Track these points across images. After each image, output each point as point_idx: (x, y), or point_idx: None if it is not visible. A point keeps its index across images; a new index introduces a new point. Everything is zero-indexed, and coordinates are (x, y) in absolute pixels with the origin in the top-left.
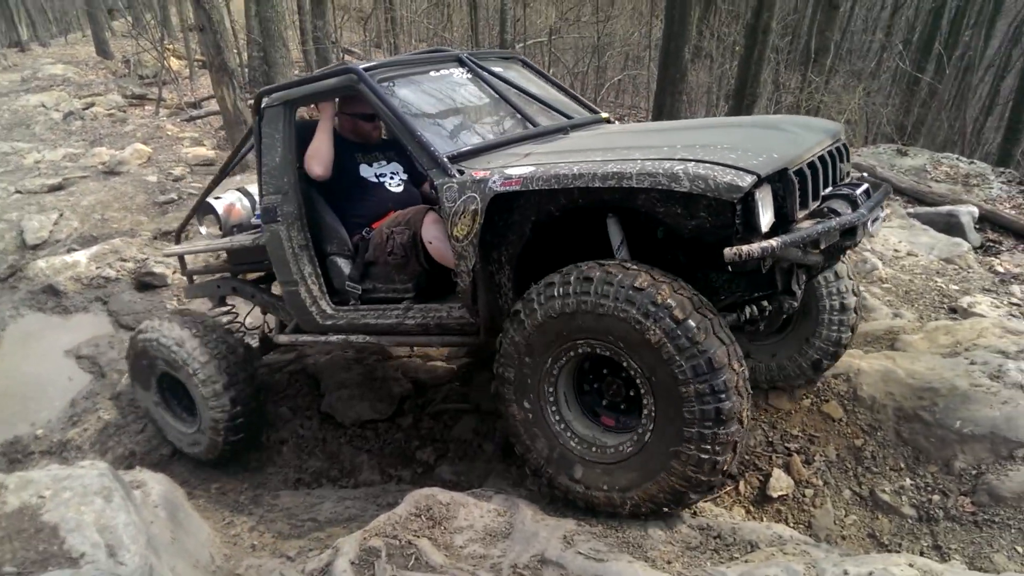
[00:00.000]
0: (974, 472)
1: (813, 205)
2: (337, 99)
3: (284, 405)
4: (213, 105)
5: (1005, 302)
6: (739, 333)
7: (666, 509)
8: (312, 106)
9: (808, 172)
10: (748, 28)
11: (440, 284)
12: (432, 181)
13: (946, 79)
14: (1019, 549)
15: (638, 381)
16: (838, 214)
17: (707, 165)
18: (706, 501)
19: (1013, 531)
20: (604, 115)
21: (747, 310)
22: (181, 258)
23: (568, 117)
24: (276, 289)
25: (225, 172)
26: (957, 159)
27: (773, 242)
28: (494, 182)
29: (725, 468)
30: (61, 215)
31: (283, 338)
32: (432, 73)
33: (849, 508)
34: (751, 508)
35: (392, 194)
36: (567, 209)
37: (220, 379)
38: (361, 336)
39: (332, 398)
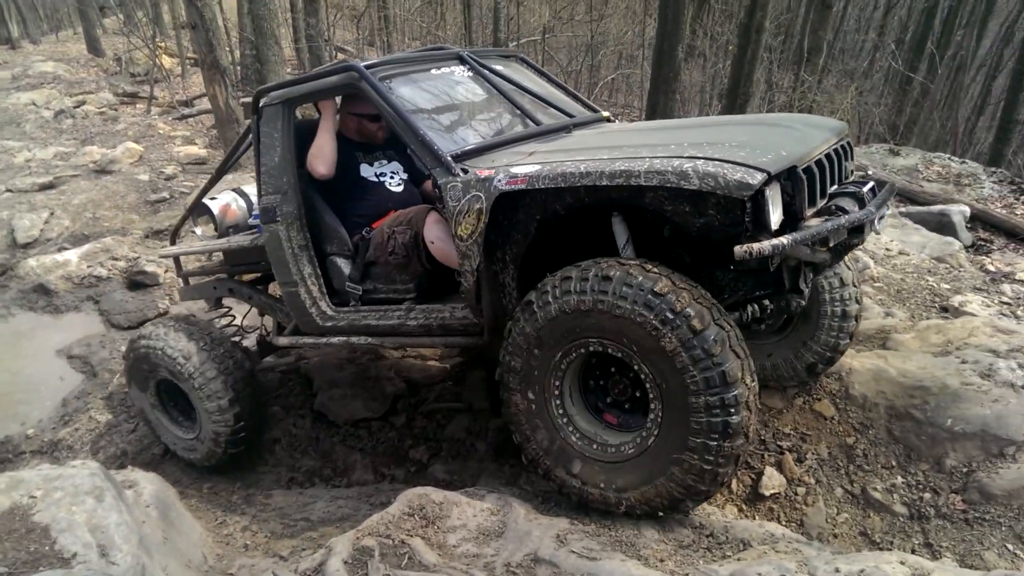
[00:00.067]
0: (965, 470)
1: (821, 203)
2: (339, 98)
3: (277, 404)
4: (205, 103)
5: (996, 301)
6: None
7: (661, 513)
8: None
9: (816, 170)
10: (741, 27)
11: (442, 284)
12: (435, 180)
13: (938, 79)
14: (1009, 547)
15: (647, 385)
16: (846, 212)
17: (716, 163)
18: None
19: (1003, 529)
20: (604, 114)
21: (749, 309)
22: (176, 259)
23: (569, 116)
24: (274, 290)
25: (222, 172)
26: (949, 159)
27: (784, 240)
28: (499, 181)
29: (726, 480)
30: (52, 214)
31: (282, 340)
32: (433, 71)
33: (841, 506)
34: (743, 506)
35: (392, 194)
36: (572, 208)
37: (226, 395)
38: (362, 337)
39: (325, 397)
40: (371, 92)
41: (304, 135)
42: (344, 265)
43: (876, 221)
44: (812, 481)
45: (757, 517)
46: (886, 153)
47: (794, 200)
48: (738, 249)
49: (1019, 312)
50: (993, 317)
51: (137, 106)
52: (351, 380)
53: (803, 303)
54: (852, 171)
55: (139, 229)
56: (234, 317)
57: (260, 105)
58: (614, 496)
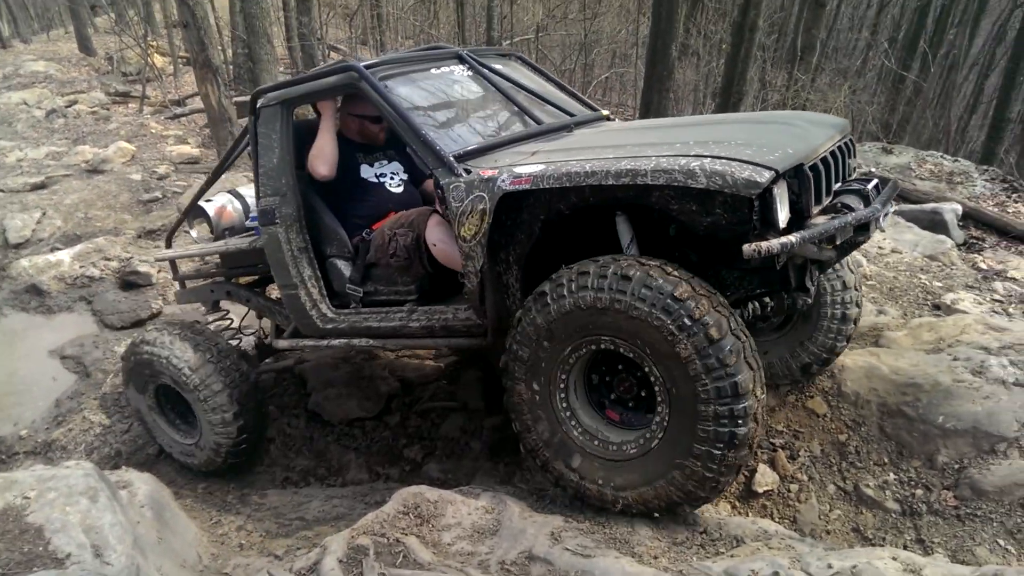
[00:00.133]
0: (957, 466)
1: (826, 201)
2: (340, 99)
3: (271, 404)
4: (197, 103)
5: (988, 298)
6: None
7: (657, 514)
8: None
9: (821, 167)
10: (735, 26)
11: (443, 286)
12: (437, 181)
13: (931, 77)
14: (1001, 542)
15: (656, 388)
16: (852, 209)
17: (724, 161)
18: None
19: (995, 524)
20: (604, 112)
21: (751, 306)
22: (173, 263)
23: (570, 114)
24: (272, 292)
25: (218, 175)
26: (941, 157)
27: (793, 238)
28: (503, 181)
29: (725, 488)
30: (44, 214)
31: (282, 343)
32: (433, 71)
33: (833, 503)
34: (737, 503)
35: (392, 195)
36: (577, 207)
37: (231, 408)
38: (363, 340)
39: (319, 396)
40: (371, 92)
41: (302, 136)
42: (344, 267)
43: (881, 218)
44: (805, 478)
45: (750, 514)
46: (879, 151)
47: (800, 198)
48: (746, 247)
49: (1011, 310)
50: (985, 315)
51: (129, 105)
52: (345, 380)
53: (809, 301)
54: (855, 168)
55: (132, 229)
56: (232, 320)
57: (258, 106)
58: (611, 494)
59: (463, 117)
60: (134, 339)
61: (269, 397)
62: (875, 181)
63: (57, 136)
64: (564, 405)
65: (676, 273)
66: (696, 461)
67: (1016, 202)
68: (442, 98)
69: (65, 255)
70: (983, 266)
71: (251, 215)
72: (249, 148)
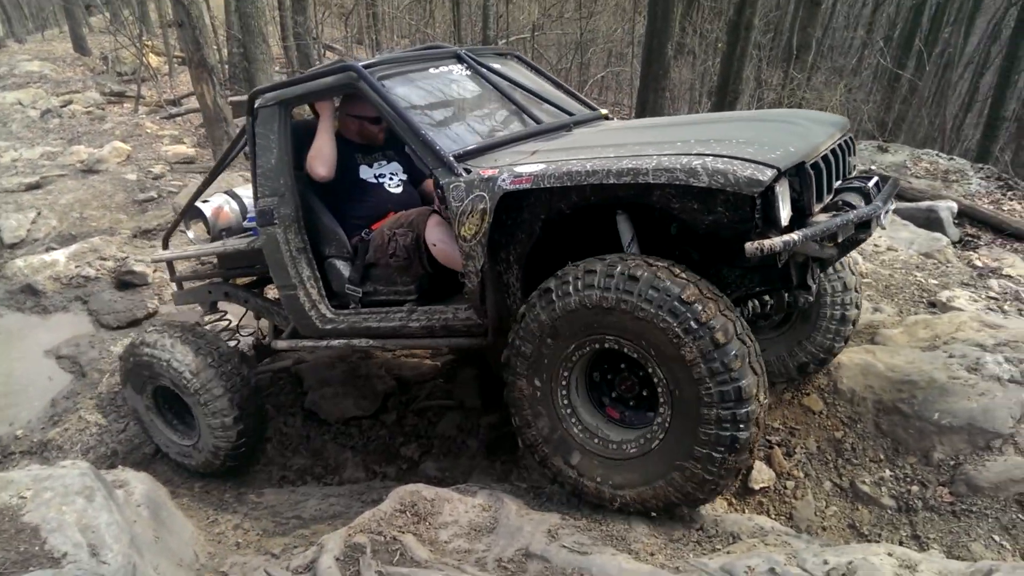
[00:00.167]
0: (952, 463)
1: (827, 199)
2: (338, 99)
3: (268, 403)
4: (193, 102)
5: (983, 296)
6: None
7: (654, 513)
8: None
9: (823, 165)
10: (730, 25)
11: (443, 286)
12: (437, 181)
13: (926, 76)
14: (996, 538)
15: (659, 390)
16: (853, 207)
17: (725, 159)
18: None
19: (990, 520)
20: (603, 111)
21: (751, 304)
22: (170, 264)
23: (569, 114)
24: (270, 293)
25: (215, 175)
26: (937, 155)
27: (796, 235)
28: (503, 180)
29: (723, 490)
30: (39, 214)
31: (281, 344)
32: (431, 70)
33: (830, 499)
34: (733, 500)
35: (391, 195)
36: (578, 207)
37: (231, 413)
38: (363, 340)
39: (316, 395)
40: (370, 92)
41: (300, 136)
42: (343, 267)
43: (882, 216)
44: (801, 475)
45: (746, 511)
46: (875, 150)
47: (802, 196)
48: (749, 246)
49: (1006, 307)
50: (980, 312)
51: (124, 105)
52: (342, 378)
53: (811, 298)
54: (855, 166)
55: (127, 229)
56: (231, 321)
57: (256, 106)
58: (609, 492)
59: (462, 117)
60: (133, 340)
61: (265, 396)
62: (875, 179)
63: (52, 136)
64: (565, 402)
65: (684, 275)
66: (696, 463)
67: (1011, 200)
68: (441, 98)
69: (60, 255)
70: (978, 263)
71: (248, 216)
72: (247, 148)
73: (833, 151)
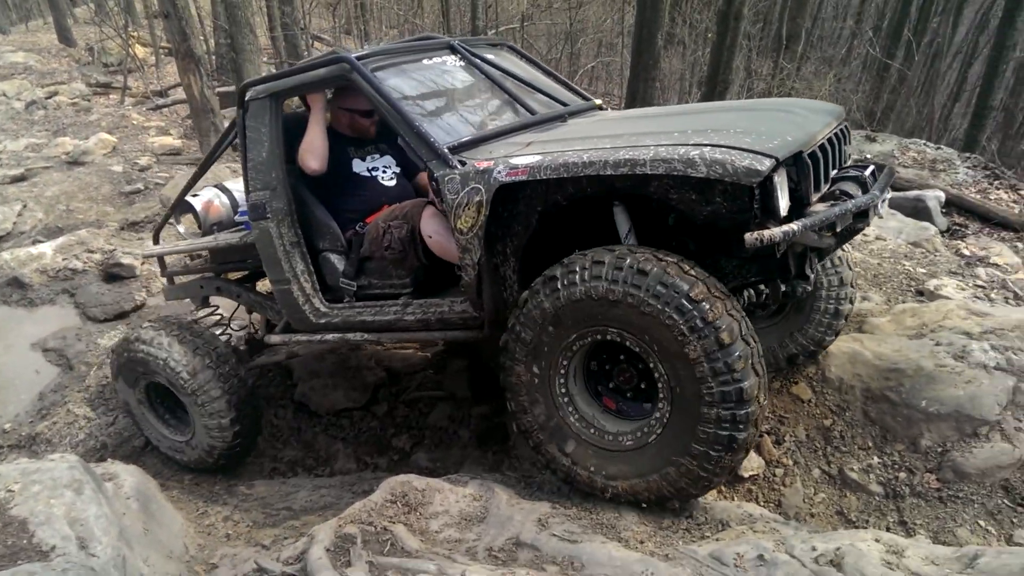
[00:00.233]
0: (940, 450)
1: (824, 188)
2: (330, 92)
3: (258, 395)
4: (179, 93)
5: (970, 284)
6: None
7: (644, 505)
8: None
9: (820, 155)
10: (720, 15)
11: (438, 278)
12: (432, 173)
13: (915, 66)
14: (981, 523)
15: (660, 385)
16: (850, 196)
17: (723, 149)
18: None
19: (976, 506)
20: (597, 102)
21: (746, 294)
22: (160, 259)
23: (563, 104)
24: (262, 287)
25: (205, 169)
26: (925, 145)
27: (795, 225)
28: (499, 172)
29: (716, 487)
30: (25, 206)
31: (275, 338)
32: (425, 61)
33: (818, 486)
34: (722, 487)
35: (385, 188)
36: (574, 198)
37: (228, 414)
38: (358, 334)
39: (306, 387)
40: (363, 84)
41: (291, 129)
42: (337, 261)
43: (879, 205)
44: (790, 462)
45: (736, 498)
46: (863, 139)
47: (799, 186)
48: (748, 236)
49: (993, 295)
50: (967, 300)
51: (110, 96)
52: (332, 370)
53: (809, 288)
54: (850, 155)
55: (114, 221)
56: (222, 316)
57: (246, 99)
58: (601, 481)
59: (457, 108)
60: (128, 335)
61: (255, 388)
62: (872, 167)
63: (37, 128)
64: (563, 391)
65: (693, 272)
66: (692, 460)
67: (998, 189)
68: (435, 89)
69: (47, 247)
70: (966, 252)
71: (240, 209)
72: (237, 141)
73: (830, 140)
